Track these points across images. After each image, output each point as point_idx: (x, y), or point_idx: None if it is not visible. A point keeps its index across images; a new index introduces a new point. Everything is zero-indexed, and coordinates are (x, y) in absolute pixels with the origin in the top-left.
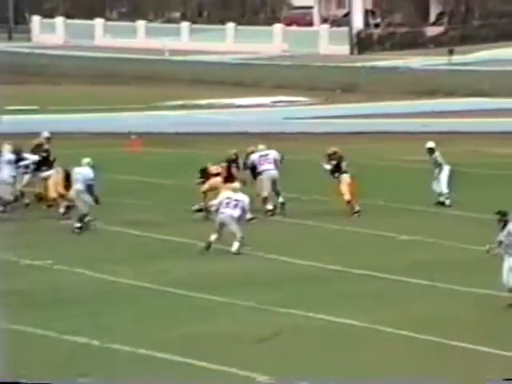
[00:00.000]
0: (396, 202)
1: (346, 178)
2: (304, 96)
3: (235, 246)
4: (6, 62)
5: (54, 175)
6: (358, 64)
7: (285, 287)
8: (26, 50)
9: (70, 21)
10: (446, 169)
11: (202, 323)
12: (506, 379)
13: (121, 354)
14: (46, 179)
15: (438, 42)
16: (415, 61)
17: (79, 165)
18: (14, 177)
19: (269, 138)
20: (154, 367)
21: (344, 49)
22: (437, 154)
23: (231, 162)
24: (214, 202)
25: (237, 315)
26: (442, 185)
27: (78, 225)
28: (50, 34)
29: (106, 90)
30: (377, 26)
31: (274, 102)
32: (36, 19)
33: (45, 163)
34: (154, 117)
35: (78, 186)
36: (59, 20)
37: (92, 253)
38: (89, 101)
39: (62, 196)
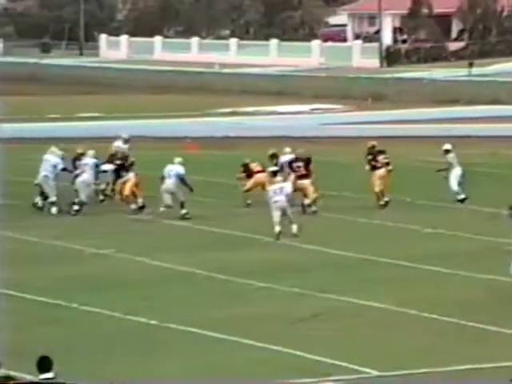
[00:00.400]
0: (421, 198)
1: (379, 172)
2: (338, 104)
3: (295, 228)
4: (77, 75)
5: (132, 178)
6: (387, 75)
7: (320, 274)
8: (95, 65)
9: (132, 38)
10: (458, 170)
11: (245, 305)
12: None
13: (175, 332)
14: (123, 183)
15: (459, 56)
16: (438, 72)
17: (147, 165)
18: (95, 180)
19: (307, 141)
20: (204, 344)
21: (374, 62)
22: (451, 155)
23: (307, 160)
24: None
25: (276, 299)
26: (451, 183)
27: (184, 211)
28: (115, 50)
29: (164, 99)
30: (404, 41)
31: (312, 110)
32: (103, 37)
33: (122, 170)
34: (206, 123)
35: (172, 180)
36: (123, 38)
37: (151, 243)
38: (148, 109)
39: (134, 195)
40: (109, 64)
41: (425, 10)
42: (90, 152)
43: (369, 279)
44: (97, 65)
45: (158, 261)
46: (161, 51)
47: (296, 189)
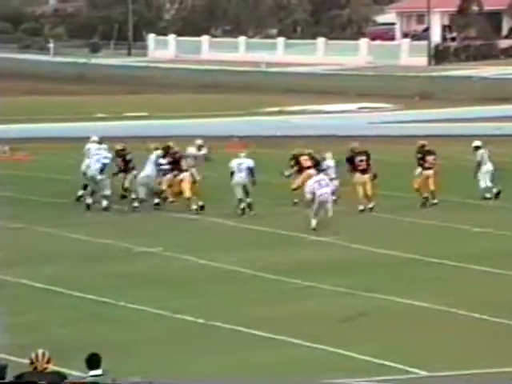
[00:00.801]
0: (470, 198)
1: (427, 172)
2: (386, 103)
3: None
4: (125, 74)
5: (187, 177)
6: (435, 74)
7: (366, 273)
8: (142, 64)
9: (180, 38)
10: (489, 166)
11: (292, 304)
12: None
13: (222, 330)
14: (181, 181)
15: (509, 54)
16: (488, 71)
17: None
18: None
19: (354, 140)
20: (250, 343)
21: (423, 60)
22: (481, 151)
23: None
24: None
25: (323, 298)
26: (480, 181)
27: (249, 200)
28: (163, 49)
29: (211, 98)
30: (453, 39)
31: (360, 108)
32: (151, 37)
33: (176, 166)
34: (253, 121)
35: (243, 173)
36: (171, 37)
37: (197, 241)
38: (196, 108)
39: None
40: (156, 64)
41: (474, 7)
42: (153, 145)
43: (417, 279)
44: (144, 64)
45: (204, 259)
46: (208, 51)
47: (355, 183)
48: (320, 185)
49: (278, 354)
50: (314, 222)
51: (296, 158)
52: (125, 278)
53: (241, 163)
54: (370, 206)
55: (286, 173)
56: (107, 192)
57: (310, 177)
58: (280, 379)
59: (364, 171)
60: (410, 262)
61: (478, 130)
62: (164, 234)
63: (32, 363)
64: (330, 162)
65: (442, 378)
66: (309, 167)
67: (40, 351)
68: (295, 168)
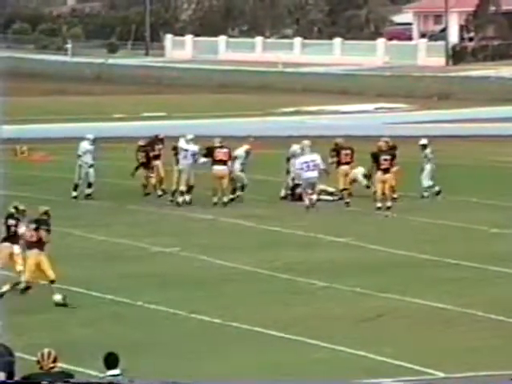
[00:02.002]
0: (487, 198)
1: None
2: (403, 103)
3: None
4: (143, 74)
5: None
6: (452, 74)
7: (383, 273)
8: (160, 64)
9: (197, 38)
10: (432, 165)
11: (308, 305)
12: None
13: (239, 331)
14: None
15: None
16: (506, 71)
17: None
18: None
19: (370, 140)
20: (267, 343)
21: (440, 60)
22: (427, 151)
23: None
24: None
25: (339, 298)
26: (423, 179)
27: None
28: (180, 50)
29: (228, 99)
30: (471, 39)
31: (376, 109)
32: (169, 37)
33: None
34: (269, 122)
35: (315, 171)
36: (188, 38)
37: (214, 241)
38: (213, 108)
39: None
40: (174, 64)
41: (492, 7)
42: (189, 136)
43: (434, 280)
44: (162, 65)
45: (221, 259)
46: (225, 51)
47: (376, 181)
48: (308, 167)
49: (295, 354)
50: (306, 201)
51: (337, 151)
52: (141, 279)
53: (308, 161)
54: (388, 204)
55: (330, 160)
56: (183, 187)
57: (346, 175)
58: (297, 380)
59: (387, 170)
60: (426, 263)
61: (496, 130)
62: (180, 233)
63: (38, 363)
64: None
65: (458, 379)
66: (347, 163)
67: (46, 350)
68: (335, 159)
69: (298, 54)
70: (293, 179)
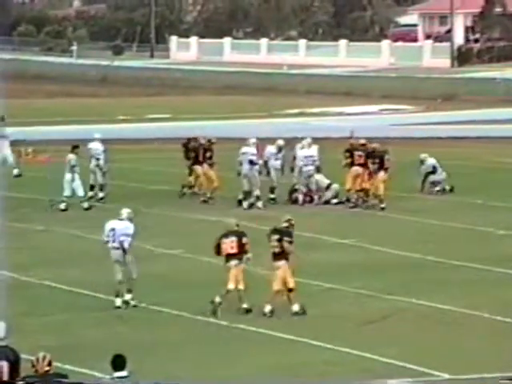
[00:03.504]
0: (493, 200)
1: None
2: (408, 105)
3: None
4: (148, 76)
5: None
6: (457, 75)
7: (388, 275)
8: (164, 66)
9: (202, 40)
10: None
11: (314, 307)
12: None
13: (246, 332)
14: None
15: None
16: (511, 72)
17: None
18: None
19: (375, 141)
20: (274, 345)
21: (445, 62)
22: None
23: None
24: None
25: (344, 300)
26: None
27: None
28: (185, 51)
29: (232, 100)
30: (476, 41)
31: (381, 110)
32: (174, 39)
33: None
34: (274, 123)
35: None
36: (193, 39)
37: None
38: (217, 109)
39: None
40: (178, 65)
41: (498, 9)
42: (251, 141)
43: (439, 281)
44: (166, 66)
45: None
46: (230, 52)
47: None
48: (308, 161)
49: (301, 356)
50: (300, 198)
51: (351, 152)
52: (146, 280)
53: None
54: (383, 205)
55: (343, 161)
56: (258, 192)
57: (357, 175)
58: (304, 381)
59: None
60: (431, 264)
61: (503, 131)
62: (184, 235)
63: (33, 366)
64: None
65: (463, 380)
66: (360, 164)
67: (41, 354)
68: (348, 160)
69: (302, 55)
70: (294, 184)
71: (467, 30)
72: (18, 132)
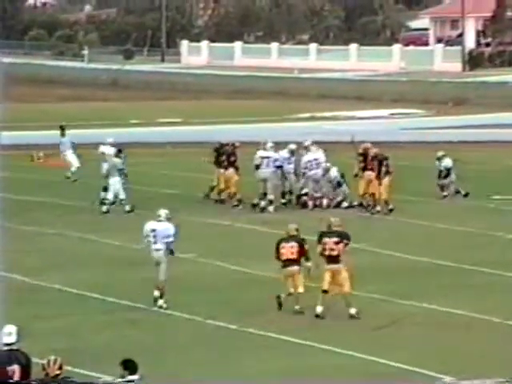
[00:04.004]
0: (504, 204)
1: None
2: (419, 109)
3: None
4: (158, 80)
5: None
6: (469, 79)
7: (399, 279)
8: (175, 70)
9: (213, 44)
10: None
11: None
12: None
13: (255, 336)
14: None
15: None
16: None
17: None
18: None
19: (386, 146)
20: (282, 349)
21: (457, 66)
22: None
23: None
24: None
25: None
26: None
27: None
28: (196, 56)
29: (244, 104)
30: (487, 45)
31: (392, 114)
32: (184, 43)
33: None
34: (285, 127)
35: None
36: (204, 44)
37: (229, 247)
38: (228, 114)
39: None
40: (189, 70)
41: (509, 13)
42: (269, 145)
43: (449, 285)
44: (178, 71)
45: (236, 265)
46: (241, 56)
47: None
48: (311, 166)
49: (311, 360)
50: (310, 204)
51: (365, 156)
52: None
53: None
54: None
55: (356, 165)
56: (272, 196)
57: (370, 181)
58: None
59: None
60: (441, 269)
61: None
62: (197, 239)
63: (44, 369)
64: None
65: None
66: (371, 168)
67: (52, 358)
68: (362, 164)
69: (313, 59)
70: (301, 188)
71: (478, 33)
72: (29, 136)
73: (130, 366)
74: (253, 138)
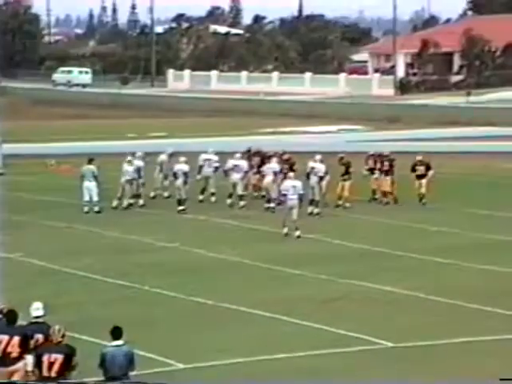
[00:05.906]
0: (432, 202)
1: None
2: (361, 125)
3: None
4: (149, 102)
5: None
6: (400, 102)
7: (343, 263)
8: (163, 94)
9: (194, 72)
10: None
11: (284, 289)
12: (502, 379)
13: (228, 310)
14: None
15: (458, 87)
16: (441, 100)
17: None
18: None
19: (334, 155)
20: (251, 320)
21: (390, 91)
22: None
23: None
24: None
25: (308, 283)
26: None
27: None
28: (180, 81)
29: (219, 121)
30: (414, 74)
31: (339, 130)
32: (170, 72)
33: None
34: (251, 140)
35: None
36: (186, 72)
37: (207, 237)
38: (206, 129)
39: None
40: (174, 93)
41: (432, 49)
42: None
43: (384, 268)
44: (164, 94)
45: (213, 252)
46: (217, 83)
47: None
48: (294, 190)
49: (274, 330)
50: (285, 230)
51: (374, 160)
52: (148, 267)
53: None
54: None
55: (364, 172)
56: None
57: (380, 184)
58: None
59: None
60: (378, 254)
61: (434, 148)
62: (180, 232)
63: (49, 335)
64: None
65: (403, 348)
66: (382, 171)
67: (57, 327)
68: (368, 172)
69: (275, 85)
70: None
71: (407, 65)
72: (42, 147)
73: (113, 333)
74: (225, 149)
